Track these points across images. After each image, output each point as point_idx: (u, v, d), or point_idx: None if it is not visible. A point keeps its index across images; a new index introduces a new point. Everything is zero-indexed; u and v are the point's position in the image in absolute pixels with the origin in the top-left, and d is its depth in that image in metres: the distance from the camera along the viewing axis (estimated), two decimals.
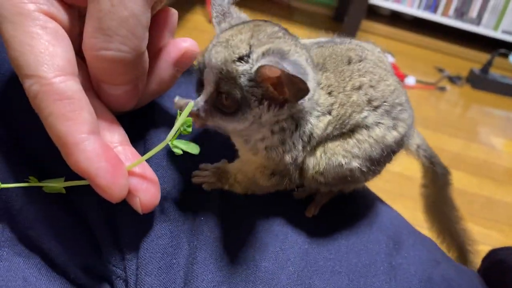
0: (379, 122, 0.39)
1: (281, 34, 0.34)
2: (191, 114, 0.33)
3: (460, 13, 3.24)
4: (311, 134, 0.37)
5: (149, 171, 0.33)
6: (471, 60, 3.10)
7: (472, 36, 3.25)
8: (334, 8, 3.36)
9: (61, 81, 0.28)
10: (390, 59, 2.45)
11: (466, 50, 3.21)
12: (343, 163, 0.38)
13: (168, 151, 0.32)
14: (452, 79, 2.69)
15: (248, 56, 0.32)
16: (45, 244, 0.35)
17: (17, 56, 0.28)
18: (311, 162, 0.38)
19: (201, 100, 0.33)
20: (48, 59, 0.28)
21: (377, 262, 0.41)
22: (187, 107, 0.31)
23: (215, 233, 0.37)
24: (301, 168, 0.39)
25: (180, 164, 0.38)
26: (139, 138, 0.38)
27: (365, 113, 0.38)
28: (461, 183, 1.59)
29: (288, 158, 0.37)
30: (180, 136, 0.32)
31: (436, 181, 0.55)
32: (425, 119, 2.01)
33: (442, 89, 2.53)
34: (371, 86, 0.39)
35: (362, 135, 0.39)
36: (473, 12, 3.23)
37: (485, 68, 2.71)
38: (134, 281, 0.35)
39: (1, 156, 0.35)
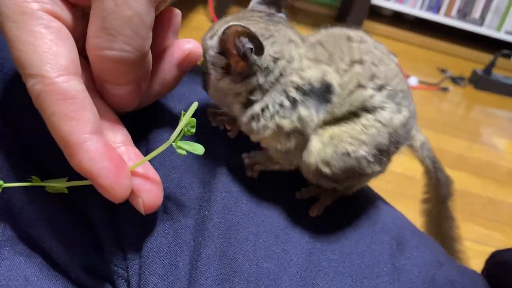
0: (384, 105, 0.38)
1: (258, 18, 0.37)
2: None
3: (463, 14, 3.23)
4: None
5: (152, 172, 0.33)
6: (473, 60, 3.09)
7: (475, 36, 3.25)
8: (337, 8, 3.36)
9: (64, 81, 0.28)
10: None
11: (468, 50, 3.21)
12: (350, 151, 0.37)
13: (172, 150, 0.32)
14: (455, 80, 2.69)
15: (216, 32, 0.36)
16: (46, 243, 0.35)
17: (20, 56, 0.28)
18: (315, 145, 0.38)
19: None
20: (51, 58, 0.28)
21: (380, 263, 0.41)
22: (191, 107, 0.31)
23: (219, 229, 0.37)
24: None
25: (184, 163, 0.38)
26: (141, 138, 0.38)
27: (370, 91, 0.38)
28: (463, 183, 1.59)
29: (279, 119, 0.37)
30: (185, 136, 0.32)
31: (439, 189, 0.54)
32: (427, 120, 2.01)
33: (445, 89, 2.53)
34: (373, 64, 0.39)
35: (368, 120, 0.38)
36: (476, 13, 3.22)
37: (488, 69, 2.70)
38: (137, 280, 0.35)
39: (3, 155, 0.35)
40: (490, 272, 0.50)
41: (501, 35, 3.23)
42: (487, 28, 3.24)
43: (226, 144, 0.42)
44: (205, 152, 0.33)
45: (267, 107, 0.37)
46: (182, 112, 0.32)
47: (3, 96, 0.35)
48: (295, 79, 0.37)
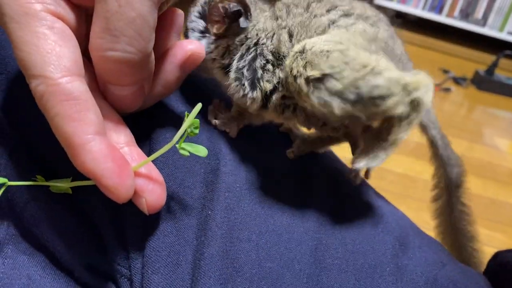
0: (355, 22, 0.38)
1: None
2: None
3: (466, 14, 3.23)
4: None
5: (155, 172, 0.33)
6: (476, 61, 3.09)
7: (477, 37, 3.25)
8: None
9: (68, 82, 0.28)
10: None
11: (471, 51, 3.20)
12: (328, 49, 0.34)
13: (175, 149, 0.32)
14: (457, 80, 2.69)
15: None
16: (49, 242, 0.35)
17: (23, 56, 0.28)
18: (289, 61, 0.36)
19: None
20: (54, 59, 0.28)
21: (383, 263, 0.41)
22: (195, 108, 0.31)
23: (222, 229, 0.37)
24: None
25: (187, 162, 0.38)
26: (144, 138, 0.38)
27: (331, 16, 0.38)
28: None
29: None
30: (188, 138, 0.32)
31: (450, 168, 0.51)
32: None
33: (447, 90, 2.53)
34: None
35: (340, 30, 0.38)
36: (479, 13, 3.22)
37: (490, 70, 2.70)
38: (140, 280, 0.35)
39: (7, 154, 0.35)
40: (492, 273, 0.50)
41: (503, 36, 3.23)
42: (490, 28, 3.24)
43: (228, 144, 0.42)
44: (207, 152, 0.33)
45: (246, 68, 0.40)
46: (186, 113, 0.32)
47: (8, 96, 0.36)
48: (269, 43, 0.39)
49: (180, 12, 0.37)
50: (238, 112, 0.43)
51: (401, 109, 0.35)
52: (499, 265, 0.51)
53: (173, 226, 0.36)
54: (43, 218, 0.35)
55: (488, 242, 1.32)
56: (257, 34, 0.40)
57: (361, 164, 0.38)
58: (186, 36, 0.42)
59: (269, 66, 0.39)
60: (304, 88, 0.34)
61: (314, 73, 0.34)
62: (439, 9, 3.25)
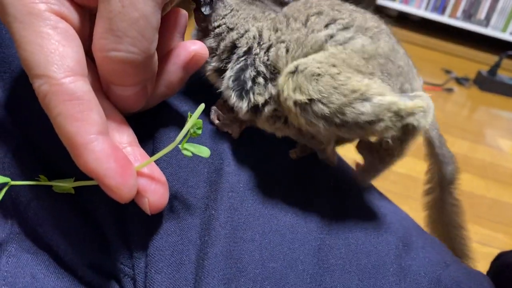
0: (354, 36, 0.37)
1: None
2: None
3: (468, 15, 3.23)
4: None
5: (157, 172, 0.33)
6: (478, 61, 3.09)
7: (480, 37, 3.24)
8: None
9: (71, 82, 0.28)
10: None
11: (473, 51, 3.20)
12: (319, 72, 0.35)
13: (178, 149, 0.32)
14: (460, 81, 2.68)
15: None
16: (53, 241, 0.35)
17: (26, 56, 0.28)
18: (282, 79, 0.37)
19: None
20: (58, 59, 0.28)
21: (386, 264, 0.41)
22: (198, 108, 0.31)
23: (225, 229, 0.37)
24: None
25: (190, 162, 0.39)
26: (147, 138, 0.38)
27: (329, 31, 0.37)
28: (467, 185, 1.58)
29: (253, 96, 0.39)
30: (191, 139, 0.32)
31: (445, 167, 0.51)
32: None
33: (449, 90, 2.53)
34: (333, 9, 0.38)
35: (336, 49, 0.36)
36: (482, 14, 3.22)
37: (493, 70, 2.70)
38: (143, 279, 0.35)
39: (11, 153, 0.35)
40: (496, 274, 0.50)
41: (506, 36, 3.23)
42: (493, 29, 3.23)
43: (232, 144, 0.42)
44: (211, 152, 0.33)
45: (240, 80, 0.40)
46: (189, 113, 0.32)
47: (11, 94, 0.36)
48: (262, 55, 0.39)
49: (184, 13, 0.37)
50: None
51: (391, 133, 0.36)
52: (502, 265, 0.51)
53: (177, 226, 0.36)
54: (46, 217, 0.35)
55: (491, 243, 1.32)
56: (247, 42, 0.40)
57: (367, 183, 0.41)
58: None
59: (260, 79, 0.39)
60: (293, 109, 0.36)
61: (302, 98, 0.35)
62: (441, 10, 3.25)
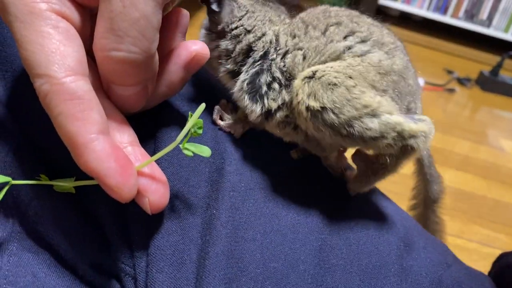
0: (371, 50, 0.38)
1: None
2: None
3: (470, 15, 3.22)
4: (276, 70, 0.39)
5: (158, 172, 0.33)
6: (480, 62, 3.08)
7: (482, 38, 3.24)
8: None
9: (72, 81, 0.28)
10: None
11: (475, 52, 3.20)
12: (336, 82, 0.36)
13: (180, 148, 0.32)
14: (461, 81, 2.68)
15: None
16: (54, 240, 0.35)
17: (27, 56, 0.28)
18: (298, 82, 0.37)
19: None
20: (59, 58, 0.28)
21: (388, 264, 0.41)
22: (198, 108, 0.31)
23: (227, 229, 0.37)
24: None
25: (191, 161, 0.38)
26: (148, 138, 0.38)
27: (347, 42, 0.38)
28: (469, 185, 1.58)
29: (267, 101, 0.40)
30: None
31: (431, 187, 0.54)
32: (433, 121, 2.00)
33: (451, 91, 2.52)
34: (352, 21, 0.39)
35: (354, 60, 0.37)
36: (484, 14, 3.21)
37: (495, 70, 2.69)
38: (144, 278, 0.35)
39: (12, 152, 0.35)
40: (497, 275, 0.50)
41: (508, 37, 3.22)
42: (495, 29, 3.23)
43: (233, 143, 0.42)
44: (212, 151, 0.33)
45: (253, 83, 0.40)
46: (190, 113, 0.32)
47: (13, 93, 0.36)
48: (278, 60, 0.39)
49: (185, 13, 0.37)
50: (244, 116, 0.43)
51: (391, 151, 0.38)
52: (503, 266, 0.51)
53: (178, 225, 0.36)
54: (47, 216, 0.35)
55: (492, 244, 1.31)
56: (263, 46, 0.40)
57: (356, 192, 0.43)
58: None
59: (275, 85, 0.39)
60: (304, 113, 0.37)
61: (315, 104, 0.36)
62: (443, 10, 3.25)
